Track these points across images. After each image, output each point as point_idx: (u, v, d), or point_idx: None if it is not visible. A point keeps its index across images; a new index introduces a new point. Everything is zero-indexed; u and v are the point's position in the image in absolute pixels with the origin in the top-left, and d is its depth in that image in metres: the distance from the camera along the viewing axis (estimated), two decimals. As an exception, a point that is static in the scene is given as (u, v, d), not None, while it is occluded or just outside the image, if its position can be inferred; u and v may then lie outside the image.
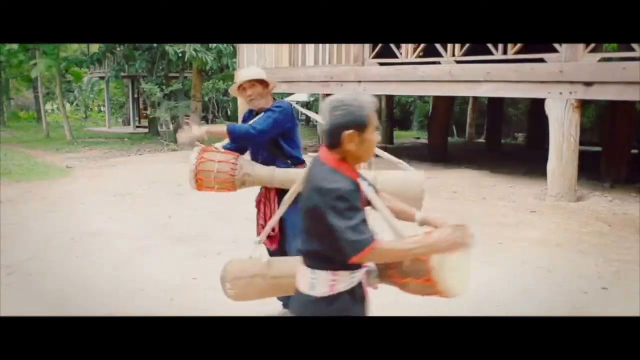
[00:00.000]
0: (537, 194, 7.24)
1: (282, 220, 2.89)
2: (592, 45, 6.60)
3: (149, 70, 17.41)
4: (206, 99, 23.99)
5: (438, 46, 8.10)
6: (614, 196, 7.11)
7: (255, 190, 3.33)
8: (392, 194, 2.07)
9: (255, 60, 10.88)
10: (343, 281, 1.75)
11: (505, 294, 3.79)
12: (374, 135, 1.74)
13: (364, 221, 1.66)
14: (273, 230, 3.00)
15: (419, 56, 8.56)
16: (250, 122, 3.14)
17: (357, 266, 1.77)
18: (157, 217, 6.05)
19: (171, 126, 15.64)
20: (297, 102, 13.79)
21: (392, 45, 8.72)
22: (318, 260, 1.76)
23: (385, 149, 2.96)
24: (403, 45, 8.73)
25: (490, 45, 7.50)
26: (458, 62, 7.94)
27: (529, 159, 10.36)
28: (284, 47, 10.55)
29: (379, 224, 1.79)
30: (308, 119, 22.62)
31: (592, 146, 11.44)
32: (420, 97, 21.70)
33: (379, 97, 12.26)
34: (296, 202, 2.55)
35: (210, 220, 5.85)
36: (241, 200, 4.03)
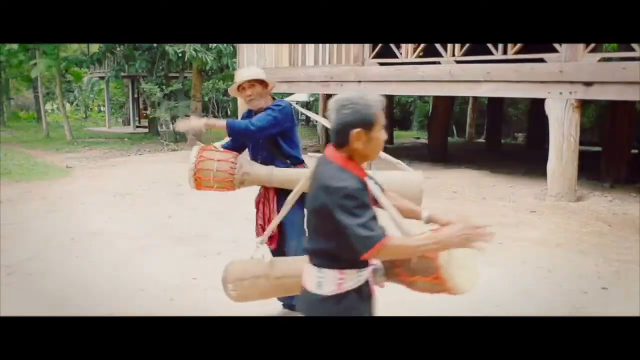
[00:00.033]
0: (537, 194, 7.24)
1: (281, 220, 2.90)
2: (592, 45, 6.60)
3: (149, 70, 17.40)
4: (206, 99, 24.01)
5: (438, 46, 8.09)
6: (614, 196, 7.11)
7: (255, 190, 3.33)
8: (391, 194, 2.07)
9: (255, 60, 10.87)
10: (350, 279, 1.75)
11: (505, 294, 3.78)
12: (381, 134, 1.74)
13: (374, 218, 1.66)
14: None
15: (419, 56, 8.55)
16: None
17: (364, 264, 1.77)
18: (157, 217, 6.05)
19: (171, 126, 15.62)
20: (297, 102, 13.81)
21: (392, 45, 8.72)
22: (325, 259, 1.75)
23: (385, 149, 2.95)
24: (403, 45, 8.72)
25: (490, 45, 7.50)
26: (458, 62, 7.93)
27: (529, 159, 10.36)
28: (284, 47, 10.54)
29: (386, 223, 1.78)
30: (308, 119, 22.63)
31: (592, 146, 11.45)
32: (420, 97, 21.71)
33: (379, 97, 12.24)
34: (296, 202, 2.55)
35: (210, 220, 5.85)
36: (241, 200, 4.04)
